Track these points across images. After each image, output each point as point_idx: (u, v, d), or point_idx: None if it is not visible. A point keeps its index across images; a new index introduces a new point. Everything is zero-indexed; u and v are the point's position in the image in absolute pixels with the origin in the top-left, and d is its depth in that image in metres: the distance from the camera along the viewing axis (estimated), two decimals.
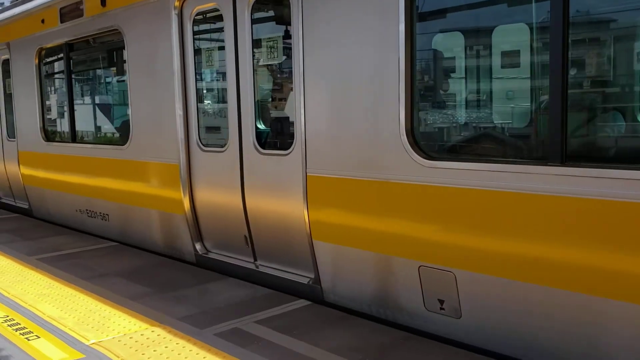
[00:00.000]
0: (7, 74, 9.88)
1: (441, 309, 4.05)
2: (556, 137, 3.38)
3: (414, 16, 4.05)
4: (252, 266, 5.65)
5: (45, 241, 7.68)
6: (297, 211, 4.97)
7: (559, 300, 3.43)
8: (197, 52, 6.01)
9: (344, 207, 4.56)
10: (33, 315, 4.87)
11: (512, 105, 4.42)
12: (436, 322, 4.11)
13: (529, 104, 4.17)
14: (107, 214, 7.57)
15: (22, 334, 4.47)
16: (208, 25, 6.05)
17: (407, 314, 4.30)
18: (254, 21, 5.34)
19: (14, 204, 10.23)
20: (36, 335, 4.44)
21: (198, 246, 6.21)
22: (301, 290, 5.08)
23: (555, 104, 3.37)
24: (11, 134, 9.87)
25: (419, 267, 4.11)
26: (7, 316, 4.87)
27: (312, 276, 5.03)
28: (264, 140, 5.45)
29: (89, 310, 4.96)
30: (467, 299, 3.89)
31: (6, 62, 9.76)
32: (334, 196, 4.62)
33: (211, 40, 6.09)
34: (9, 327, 4.61)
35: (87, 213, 7.99)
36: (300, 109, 4.79)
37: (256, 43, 5.36)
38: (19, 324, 4.68)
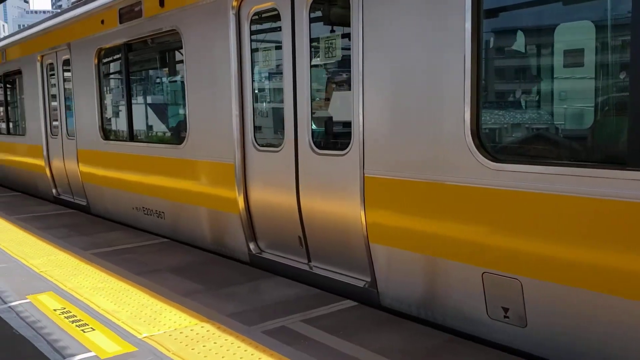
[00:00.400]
0: (67, 73, 10.16)
1: (505, 317, 3.88)
2: (637, 139, 3.19)
3: (481, 14, 3.91)
4: (306, 267, 5.58)
5: (100, 236, 7.84)
6: (354, 213, 4.87)
7: (635, 311, 3.23)
8: (253, 52, 6.01)
9: (403, 210, 4.43)
10: (88, 308, 4.95)
11: (586, 106, 4.21)
12: (500, 330, 3.94)
13: (605, 105, 3.96)
14: (162, 212, 7.65)
15: (78, 326, 4.54)
16: (265, 25, 6.04)
17: (469, 322, 4.14)
18: (311, 20, 5.30)
19: (72, 200, 10.48)
20: (91, 328, 4.51)
21: (252, 245, 6.19)
22: (357, 293, 4.97)
23: (636, 104, 3.18)
24: (70, 132, 10.12)
25: (483, 273, 3.95)
26: (64, 308, 4.96)
27: (368, 279, 4.92)
28: (319, 140, 5.39)
29: (142, 304, 5.01)
30: (534, 307, 3.71)
31: (66, 62, 10.04)
32: (393, 198, 4.50)
33: (268, 40, 6.08)
34: (65, 319, 4.69)
35: (144, 211, 8.10)
36: (358, 108, 4.70)
37: (314, 42, 5.32)
38: (75, 316, 4.76)
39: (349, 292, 5.04)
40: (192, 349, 4.06)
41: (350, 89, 4.86)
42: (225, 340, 4.20)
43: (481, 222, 3.92)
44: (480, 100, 3.95)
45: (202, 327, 4.46)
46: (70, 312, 4.85)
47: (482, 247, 3.93)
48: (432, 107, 4.16)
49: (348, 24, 4.85)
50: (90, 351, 4.07)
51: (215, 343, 4.15)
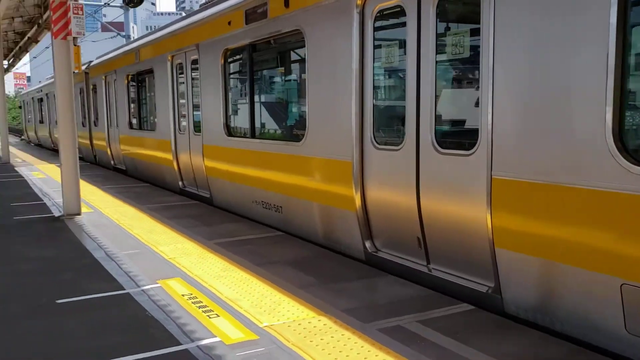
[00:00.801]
0: (194, 72, 10.72)
1: None
2: None
3: (628, 7, 3.63)
4: (424, 269, 5.49)
5: (222, 227, 8.20)
6: (479, 216, 4.71)
7: None
8: (376, 49, 5.99)
9: (534, 215, 4.22)
10: (213, 295, 5.18)
11: None
12: None
13: None
14: (280, 206, 7.87)
15: (204, 312, 4.76)
16: (388, 22, 6.01)
17: (604, 336, 3.88)
18: (438, 16, 5.19)
19: (196, 192, 11.04)
20: (216, 314, 4.71)
21: (368, 244, 6.19)
22: (478, 298, 4.82)
23: None
24: (197, 128, 10.67)
25: (622, 285, 3.67)
26: (191, 294, 5.23)
27: (492, 285, 4.74)
28: (442, 139, 5.27)
29: (262, 294, 5.17)
30: None
31: (194, 62, 10.58)
32: (523, 202, 4.30)
33: (391, 38, 6.04)
34: (192, 305, 4.94)
35: (263, 204, 8.37)
36: (487, 107, 4.54)
37: (440, 39, 5.21)
38: (201, 302, 5.00)
39: (470, 297, 4.89)
40: (311, 341, 4.13)
41: (477, 87, 4.71)
42: (342, 335, 4.24)
43: (623, 231, 3.64)
44: (625, 100, 3.67)
45: (319, 320, 4.53)
46: (197, 298, 5.11)
47: (622, 257, 3.65)
48: (568, 107, 3.93)
49: (477, 21, 4.70)
50: (215, 336, 4.25)
51: (332, 337, 4.19)
